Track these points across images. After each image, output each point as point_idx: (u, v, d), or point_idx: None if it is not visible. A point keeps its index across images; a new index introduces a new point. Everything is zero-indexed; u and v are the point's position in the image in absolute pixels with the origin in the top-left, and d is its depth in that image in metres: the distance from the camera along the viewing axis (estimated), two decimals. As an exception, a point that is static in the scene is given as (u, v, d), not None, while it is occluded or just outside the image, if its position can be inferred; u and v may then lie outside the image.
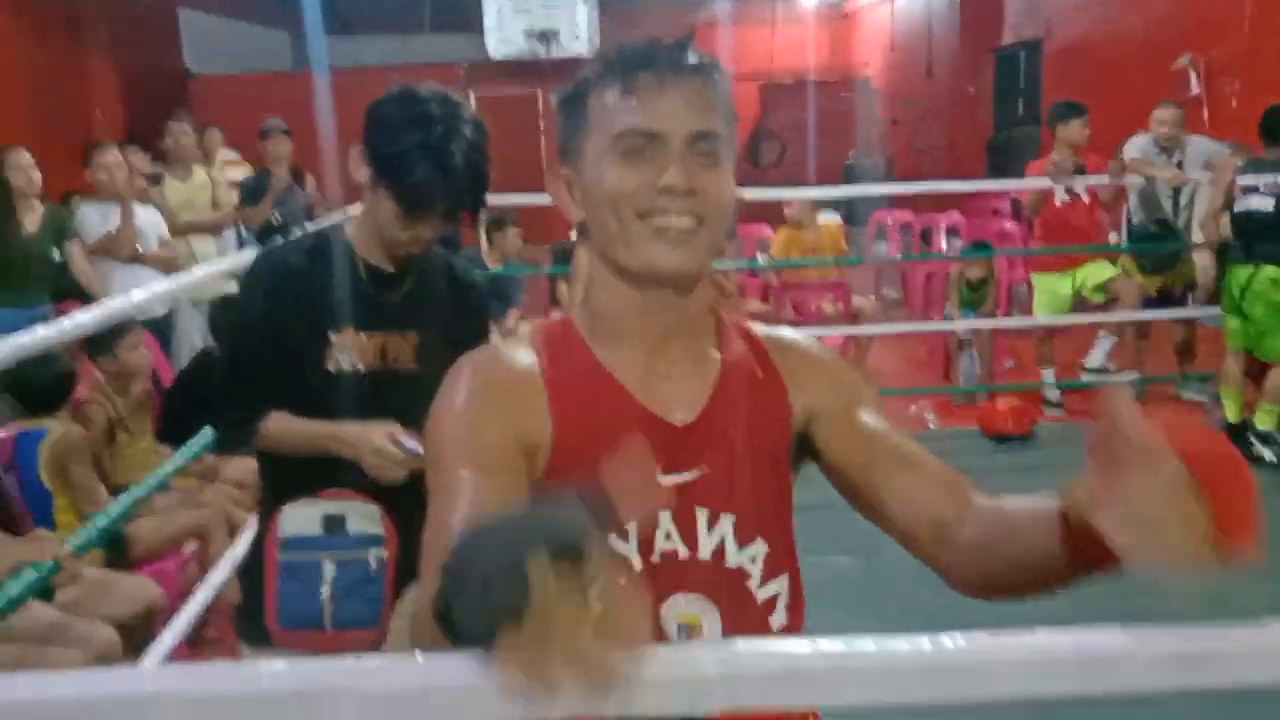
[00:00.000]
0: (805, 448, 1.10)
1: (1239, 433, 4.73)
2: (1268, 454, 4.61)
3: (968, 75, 11.57)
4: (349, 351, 1.75)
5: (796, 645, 0.63)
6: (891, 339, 6.53)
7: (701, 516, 1.03)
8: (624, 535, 1.00)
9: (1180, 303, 5.63)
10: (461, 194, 1.70)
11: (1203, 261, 5.67)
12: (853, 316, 6.24)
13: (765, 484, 1.06)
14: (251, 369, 1.79)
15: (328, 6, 9.29)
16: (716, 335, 1.10)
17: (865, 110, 13.74)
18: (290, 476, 1.80)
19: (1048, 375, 5.61)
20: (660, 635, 1.01)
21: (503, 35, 11.29)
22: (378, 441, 1.69)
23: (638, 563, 1.01)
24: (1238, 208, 4.72)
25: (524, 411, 1.01)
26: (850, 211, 9.30)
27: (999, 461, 4.88)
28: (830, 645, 0.63)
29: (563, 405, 1.02)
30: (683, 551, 1.02)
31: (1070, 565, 0.82)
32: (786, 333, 1.15)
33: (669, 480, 1.02)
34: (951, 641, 0.62)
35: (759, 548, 1.05)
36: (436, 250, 1.87)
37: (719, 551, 1.03)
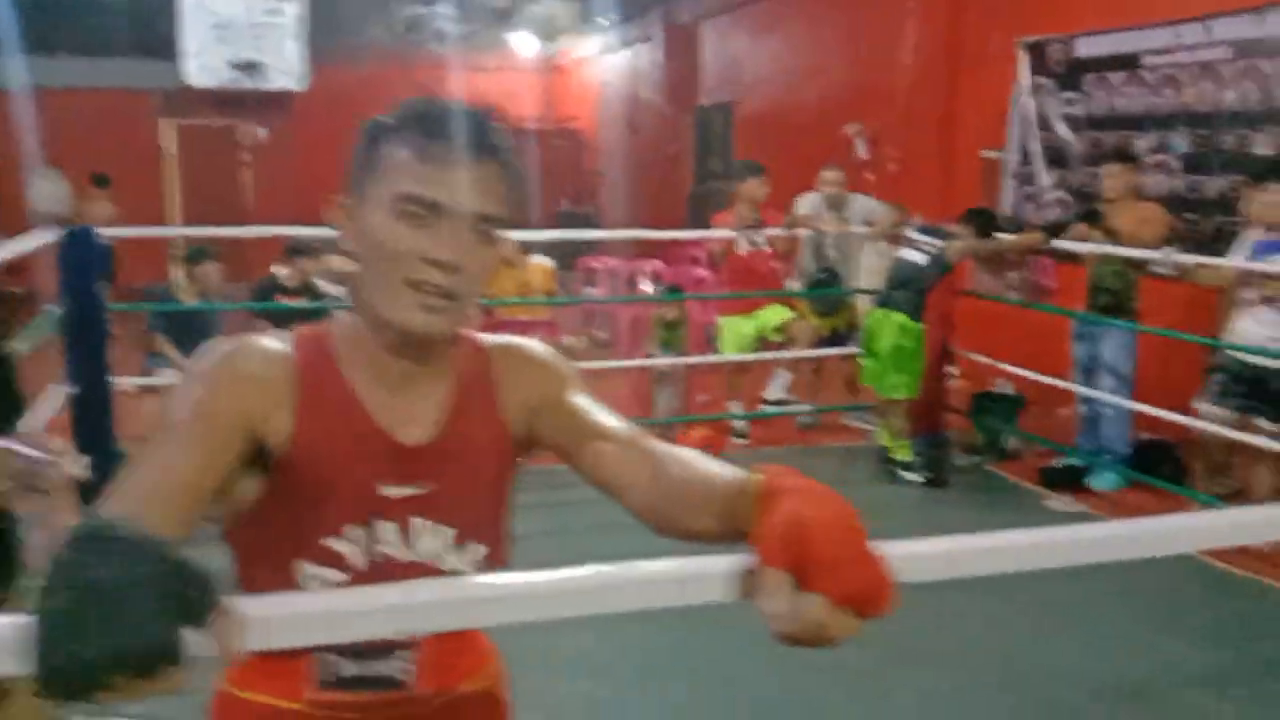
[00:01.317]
0: (531, 436, 1.20)
1: (891, 457, 5.38)
2: (915, 477, 5.24)
3: (669, 132, 12.32)
4: None
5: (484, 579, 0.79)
6: (600, 374, 6.83)
7: (423, 526, 1.13)
8: (344, 537, 1.10)
9: (844, 342, 6.29)
10: None
11: (865, 306, 6.37)
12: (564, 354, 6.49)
13: (489, 494, 1.18)
14: None
15: (8, 21, 8.57)
16: (453, 353, 1.18)
17: (575, 160, 14.28)
18: None
19: (734, 407, 6.10)
20: None
21: (203, 63, 10.82)
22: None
23: (360, 561, 1.11)
24: (896, 254, 5.37)
25: (268, 404, 1.07)
26: (561, 256, 9.63)
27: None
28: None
29: (306, 411, 1.08)
30: (400, 555, 1.12)
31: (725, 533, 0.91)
32: (507, 338, 1.25)
33: (395, 493, 1.11)
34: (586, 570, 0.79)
35: (478, 550, 1.16)
36: None
37: (435, 557, 1.14)
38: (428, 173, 1.03)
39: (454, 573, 1.14)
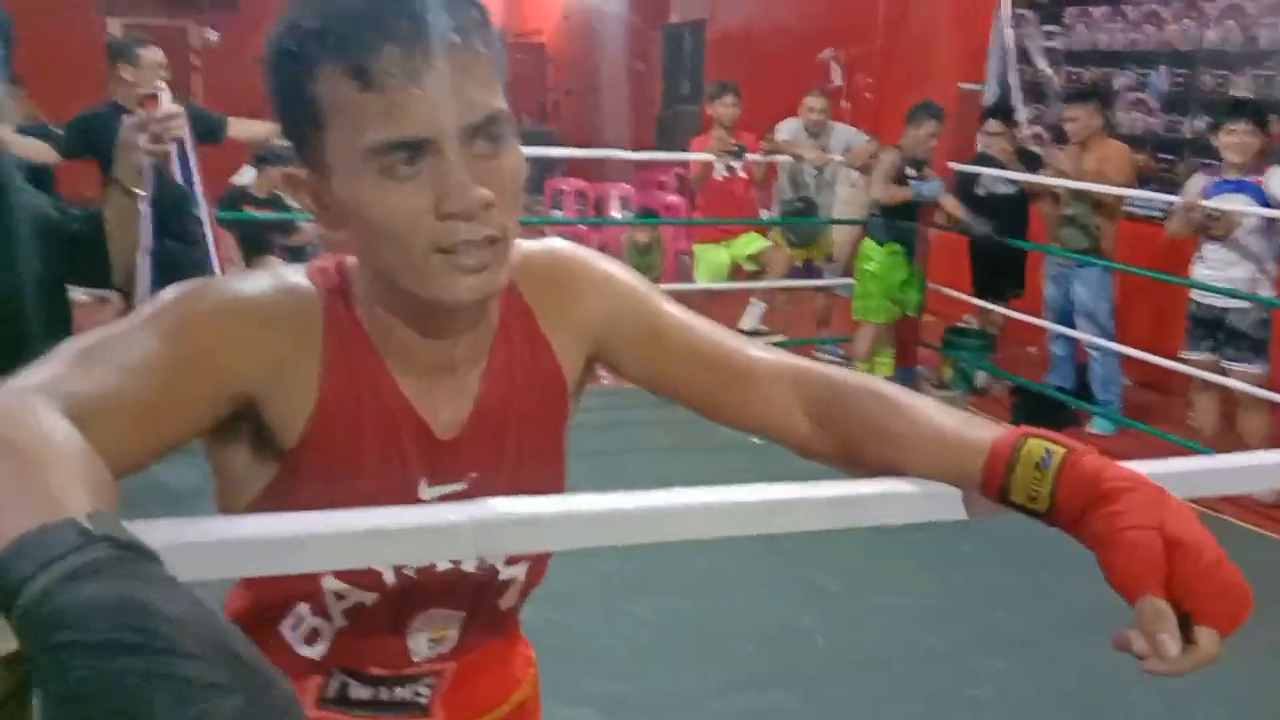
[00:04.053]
0: (601, 362, 0.98)
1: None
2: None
3: (638, 50, 12.04)
4: None
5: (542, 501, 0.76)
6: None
7: None
8: None
9: (820, 273, 6.25)
10: None
11: (840, 237, 6.33)
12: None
13: (541, 462, 0.96)
14: None
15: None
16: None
17: (538, 76, 13.94)
18: None
19: (707, 337, 6.05)
20: (405, 650, 0.97)
21: (153, -41, 10.31)
22: None
23: (390, 577, 0.91)
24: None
25: (292, 365, 0.83)
26: (526, 177, 9.44)
27: (661, 414, 5.21)
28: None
29: (334, 378, 0.85)
30: (442, 564, 0.92)
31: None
32: (536, 246, 0.96)
33: (433, 492, 0.90)
34: (663, 497, 0.75)
35: None
36: None
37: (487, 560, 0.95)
38: (393, 104, 0.72)
39: (490, 567, 0.95)
